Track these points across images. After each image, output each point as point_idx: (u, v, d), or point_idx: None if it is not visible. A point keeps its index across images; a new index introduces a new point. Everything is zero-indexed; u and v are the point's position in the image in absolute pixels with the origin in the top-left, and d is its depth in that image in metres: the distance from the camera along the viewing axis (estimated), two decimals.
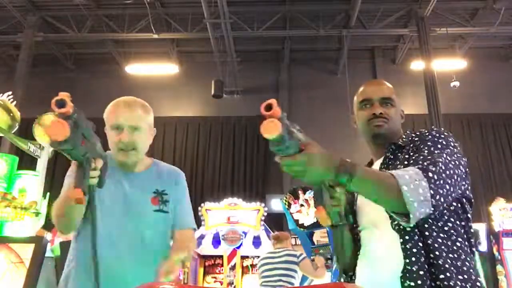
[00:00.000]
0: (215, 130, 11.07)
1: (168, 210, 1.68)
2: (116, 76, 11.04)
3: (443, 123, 8.66)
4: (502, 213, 7.61)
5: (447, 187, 1.10)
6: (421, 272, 1.10)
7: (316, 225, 5.81)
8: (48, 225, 4.84)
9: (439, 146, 1.20)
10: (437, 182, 1.08)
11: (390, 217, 1.18)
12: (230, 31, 9.40)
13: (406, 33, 10.22)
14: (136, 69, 11.10)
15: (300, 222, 6.00)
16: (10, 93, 4.86)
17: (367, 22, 9.82)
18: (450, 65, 10.37)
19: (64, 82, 10.70)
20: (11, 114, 4.74)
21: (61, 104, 0.94)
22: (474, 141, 10.42)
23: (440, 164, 1.12)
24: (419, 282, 1.10)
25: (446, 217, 1.19)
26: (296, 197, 6.10)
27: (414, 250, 1.13)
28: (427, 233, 1.15)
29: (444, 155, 1.16)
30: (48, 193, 4.83)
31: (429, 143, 1.22)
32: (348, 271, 1.34)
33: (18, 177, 4.76)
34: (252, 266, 7.40)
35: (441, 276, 1.09)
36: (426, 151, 1.19)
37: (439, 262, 1.11)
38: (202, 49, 11.04)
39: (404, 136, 1.35)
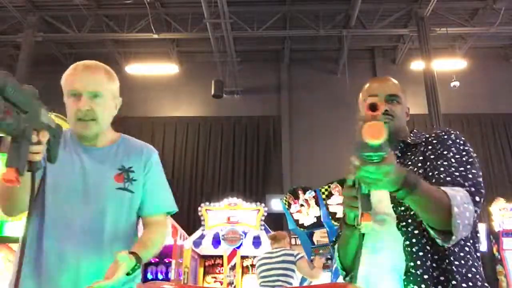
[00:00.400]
0: (215, 130, 11.06)
1: (134, 190, 1.45)
2: (116, 76, 11.03)
3: (443, 123, 8.66)
4: (502, 213, 7.62)
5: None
6: (426, 276, 1.09)
7: (316, 225, 5.81)
8: None
9: (466, 157, 1.20)
10: (478, 207, 1.11)
11: (424, 230, 1.14)
12: (230, 31, 9.40)
13: (406, 33, 10.22)
14: (136, 69, 11.10)
15: (300, 222, 6.00)
16: None
17: (367, 22, 9.82)
18: (450, 65, 10.36)
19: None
20: None
21: None
22: (474, 141, 10.41)
23: (480, 188, 1.14)
24: (423, 286, 1.09)
25: None
26: (296, 197, 6.10)
27: (421, 253, 1.12)
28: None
29: (476, 173, 1.17)
30: None
31: (453, 150, 1.21)
32: (350, 271, 1.33)
33: None
34: (252, 266, 7.39)
35: (453, 282, 1.08)
36: (454, 162, 1.18)
37: (448, 267, 1.10)
38: (202, 49, 11.03)
39: (412, 135, 1.34)
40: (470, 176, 1.16)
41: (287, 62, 11.44)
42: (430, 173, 1.20)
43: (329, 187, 5.66)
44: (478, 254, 1.19)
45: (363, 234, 1.22)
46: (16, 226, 4.36)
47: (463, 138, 1.26)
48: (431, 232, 1.09)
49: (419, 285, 1.09)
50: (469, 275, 1.11)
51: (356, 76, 9.98)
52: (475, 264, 1.15)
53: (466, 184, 1.13)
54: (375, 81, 1.42)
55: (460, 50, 10.78)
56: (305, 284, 4.45)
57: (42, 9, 9.81)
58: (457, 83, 9.70)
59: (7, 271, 4.36)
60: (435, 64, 9.05)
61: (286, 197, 6.27)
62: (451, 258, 1.11)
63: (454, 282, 1.08)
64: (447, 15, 9.60)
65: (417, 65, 10.45)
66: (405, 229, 1.17)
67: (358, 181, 0.97)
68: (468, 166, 1.18)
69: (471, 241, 1.19)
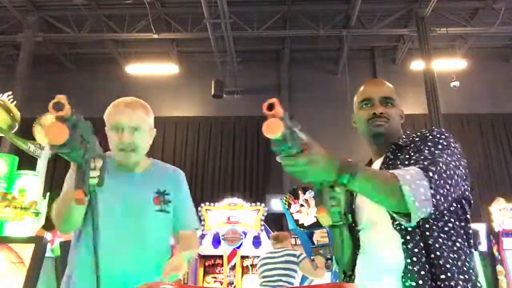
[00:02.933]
0: (215, 130, 11.07)
1: (170, 210, 1.66)
2: (116, 76, 11.04)
3: (443, 123, 8.66)
4: (502, 213, 7.61)
5: (448, 187, 1.10)
6: (422, 272, 1.11)
7: (316, 225, 5.81)
8: (48, 225, 4.83)
9: (440, 146, 1.20)
10: (438, 182, 1.08)
11: (391, 217, 1.17)
12: (230, 31, 9.40)
13: (406, 33, 10.22)
14: (136, 69, 11.10)
15: (300, 222, 5.99)
16: (10, 93, 4.85)
17: (367, 22, 9.82)
18: (450, 65, 10.36)
19: (64, 82, 10.70)
20: (11, 114, 4.74)
21: (59, 106, 0.93)
22: (474, 141, 10.42)
23: (440, 164, 1.12)
24: (420, 282, 1.10)
25: (446, 218, 1.19)
26: (296, 197, 6.10)
27: (416, 250, 1.13)
28: (428, 233, 1.15)
29: (445, 156, 1.16)
30: (48, 193, 4.83)
31: (429, 143, 1.21)
32: (348, 271, 1.33)
33: (18, 177, 4.76)
34: (252, 266, 7.39)
35: (442, 276, 1.09)
36: (426, 151, 1.18)
37: (440, 262, 1.11)
38: (202, 49, 11.03)
39: (404, 136, 1.35)
40: (433, 156, 1.15)
41: (287, 62, 11.44)
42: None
43: None
44: (472, 250, 1.20)
45: (353, 234, 1.27)
46: (16, 226, 4.36)
47: (446, 134, 1.25)
48: (395, 216, 1.10)
49: (417, 281, 1.10)
50: (464, 268, 1.13)
51: (356, 76, 9.99)
52: (468, 259, 1.16)
53: (425, 163, 1.12)
54: (369, 84, 1.43)
55: (460, 50, 10.78)
56: (306, 283, 4.46)
57: (42, 9, 9.81)
58: (457, 83, 9.70)
59: (8, 272, 4.35)
60: (435, 64, 9.05)
61: (286, 197, 6.27)
62: (444, 254, 1.13)
63: (449, 274, 1.10)
64: (447, 15, 9.61)
65: (417, 65, 10.45)
66: (399, 227, 1.18)
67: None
68: (437, 152, 1.17)
69: (464, 236, 1.20)
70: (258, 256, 4.57)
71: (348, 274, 1.33)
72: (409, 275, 1.11)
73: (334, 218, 1.15)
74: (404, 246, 1.15)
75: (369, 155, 1.45)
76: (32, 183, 4.77)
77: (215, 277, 7.89)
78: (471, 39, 10.51)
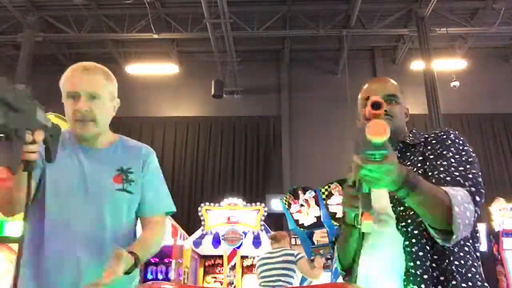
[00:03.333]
0: (215, 130, 11.06)
1: (134, 191, 1.46)
2: (116, 76, 10.74)
3: (443, 123, 8.66)
4: (502, 213, 7.61)
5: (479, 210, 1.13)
6: (425, 276, 1.09)
7: (316, 225, 5.81)
8: None
9: (465, 157, 1.20)
10: (479, 207, 1.11)
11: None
12: (230, 31, 9.39)
13: (406, 33, 10.22)
14: (136, 69, 11.10)
15: (300, 222, 6.00)
16: None
17: (367, 22, 9.82)
18: (450, 65, 10.36)
19: None
20: None
21: None
22: (474, 141, 10.41)
23: (480, 187, 1.14)
24: (423, 286, 1.08)
25: None
26: (296, 197, 6.10)
27: (421, 253, 1.12)
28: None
29: (474, 171, 1.17)
30: None
31: (452, 150, 1.21)
32: (349, 271, 1.32)
33: None
34: (252, 266, 7.39)
35: (453, 282, 1.08)
36: (454, 162, 1.18)
37: (447, 267, 1.10)
38: (202, 49, 11.03)
39: (411, 135, 1.34)
40: (470, 176, 1.15)
41: (287, 62, 11.44)
42: (430, 173, 1.19)
43: (329, 187, 5.66)
44: (478, 254, 1.19)
45: (363, 234, 1.20)
46: (16, 226, 4.36)
47: (462, 138, 1.26)
48: (432, 231, 1.08)
49: (419, 285, 1.08)
50: (469, 275, 1.11)
51: (356, 76, 9.99)
52: (475, 264, 1.15)
53: (466, 184, 1.13)
54: (373, 82, 1.43)
55: (460, 50, 10.78)
56: (305, 284, 4.45)
57: (42, 9, 9.81)
58: (457, 83, 9.70)
59: (9, 272, 4.36)
60: (435, 64, 9.05)
61: (286, 197, 6.27)
62: (451, 258, 1.11)
63: (454, 282, 1.08)
64: (447, 15, 9.61)
65: (417, 65, 10.45)
66: (404, 229, 1.16)
67: (359, 180, 0.95)
68: (468, 166, 1.18)
69: (470, 241, 1.19)
70: (258, 256, 4.57)
71: (350, 274, 1.32)
72: (411, 278, 1.10)
73: (358, 220, 1.08)
74: (408, 249, 1.13)
75: None
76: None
77: (215, 277, 7.89)
78: (471, 39, 10.51)
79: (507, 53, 11.37)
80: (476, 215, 1.08)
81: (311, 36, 10.18)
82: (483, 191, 1.14)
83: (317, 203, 5.80)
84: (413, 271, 1.10)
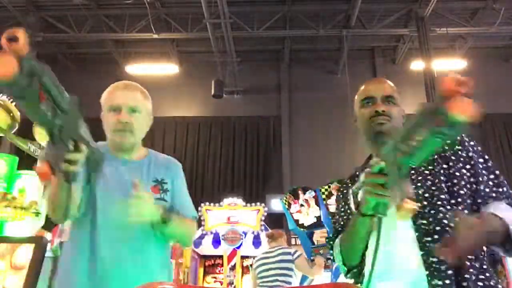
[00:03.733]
0: (215, 130, 11.06)
1: (168, 199, 1.61)
2: (116, 76, 10.95)
3: None
4: None
5: None
6: (450, 272, 1.11)
7: (316, 225, 5.82)
8: (48, 225, 4.83)
9: (492, 168, 1.29)
10: None
11: (445, 226, 1.17)
12: (230, 31, 9.39)
13: (406, 33, 10.22)
14: (136, 69, 11.09)
15: (300, 222, 6.00)
16: None
17: (367, 22, 9.82)
18: (450, 65, 10.36)
19: (64, 82, 10.63)
20: (11, 114, 4.74)
21: (14, 39, 0.75)
22: (474, 141, 10.41)
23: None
24: (447, 281, 1.10)
25: None
26: (296, 197, 6.10)
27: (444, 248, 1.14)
28: None
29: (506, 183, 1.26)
30: None
31: (480, 160, 1.28)
32: (353, 267, 1.31)
33: (18, 177, 4.76)
34: (252, 266, 7.40)
35: (466, 276, 1.11)
36: (490, 174, 1.27)
37: (473, 264, 1.13)
38: (202, 49, 11.03)
39: None
40: (505, 189, 1.25)
41: (287, 62, 11.44)
42: (468, 184, 1.23)
43: (329, 187, 5.66)
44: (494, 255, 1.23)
45: (380, 223, 1.14)
46: (16, 226, 4.36)
47: (478, 145, 1.33)
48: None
49: (444, 280, 1.11)
50: (484, 267, 1.15)
51: (356, 76, 9.98)
52: (485, 258, 1.18)
53: (509, 200, 1.22)
54: (371, 83, 1.43)
55: (460, 50, 10.78)
56: (306, 283, 4.45)
57: (42, 9, 9.81)
58: None
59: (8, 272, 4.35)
60: (435, 64, 9.05)
61: (286, 197, 6.28)
62: (475, 253, 1.15)
63: (473, 277, 1.12)
64: (447, 15, 9.61)
65: (417, 65, 10.44)
66: (426, 227, 1.17)
67: (398, 165, 0.94)
68: (497, 172, 1.27)
69: None
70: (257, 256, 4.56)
71: (353, 271, 1.31)
72: (435, 273, 1.12)
73: (382, 209, 1.06)
74: (430, 244, 1.14)
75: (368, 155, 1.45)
76: (32, 183, 4.77)
77: (215, 277, 7.90)
78: (471, 39, 10.50)
79: (507, 53, 11.37)
80: None
81: (311, 36, 10.18)
82: None
83: (317, 203, 5.80)
84: (436, 266, 1.12)
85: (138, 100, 1.59)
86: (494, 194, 1.22)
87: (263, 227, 7.03)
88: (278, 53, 11.53)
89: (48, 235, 5.00)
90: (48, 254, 3.50)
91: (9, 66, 0.74)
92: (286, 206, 6.17)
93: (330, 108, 10.51)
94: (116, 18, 9.96)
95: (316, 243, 5.91)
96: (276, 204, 8.36)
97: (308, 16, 9.75)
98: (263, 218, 7.12)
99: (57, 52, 10.96)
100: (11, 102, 4.79)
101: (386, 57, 11.50)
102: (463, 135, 1.32)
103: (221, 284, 7.62)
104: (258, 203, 7.41)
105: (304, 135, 10.56)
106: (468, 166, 1.26)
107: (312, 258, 5.15)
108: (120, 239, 1.47)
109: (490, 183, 1.24)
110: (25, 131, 5.11)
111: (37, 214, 4.43)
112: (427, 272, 1.13)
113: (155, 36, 9.77)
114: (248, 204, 7.32)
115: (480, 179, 1.24)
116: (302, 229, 5.97)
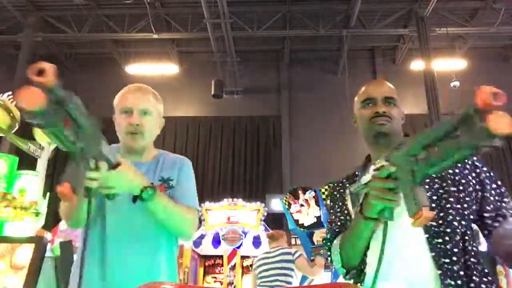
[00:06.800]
0: (215, 130, 11.07)
1: (173, 195, 1.64)
2: (116, 76, 11.03)
3: None
4: None
5: None
6: (462, 273, 1.13)
7: (316, 225, 5.81)
8: (48, 225, 4.84)
9: (495, 178, 1.34)
10: None
11: (456, 228, 1.21)
12: (230, 31, 9.40)
13: (406, 33, 10.22)
14: (136, 69, 11.10)
15: (300, 222, 6.00)
16: (10, 93, 4.85)
17: (367, 22, 9.82)
18: (450, 65, 10.36)
19: (64, 82, 10.66)
20: (11, 114, 4.75)
21: (41, 73, 0.81)
22: None
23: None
24: (459, 282, 1.12)
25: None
26: (296, 197, 6.10)
27: (455, 250, 1.15)
28: (466, 238, 1.18)
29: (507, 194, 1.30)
30: (48, 193, 4.83)
31: (484, 169, 1.33)
32: (351, 269, 1.31)
33: (18, 177, 4.76)
34: (252, 266, 7.40)
35: (476, 279, 1.14)
36: (493, 184, 1.32)
37: (477, 267, 1.15)
38: (202, 49, 11.04)
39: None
40: (507, 199, 1.30)
41: (287, 62, 11.45)
42: (476, 197, 1.27)
43: (329, 187, 5.65)
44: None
45: (386, 227, 1.09)
46: (16, 226, 4.36)
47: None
48: None
49: (456, 280, 1.12)
50: (486, 270, 1.17)
51: (356, 76, 9.99)
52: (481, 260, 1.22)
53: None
54: (371, 84, 1.44)
55: (460, 50, 10.78)
56: (306, 283, 4.45)
57: (42, 9, 9.81)
58: (457, 83, 9.70)
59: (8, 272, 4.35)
60: (435, 64, 9.05)
61: (286, 197, 6.27)
62: (478, 257, 1.17)
63: (483, 279, 1.15)
64: (447, 15, 9.61)
65: (417, 65, 10.45)
66: (436, 229, 1.18)
67: (404, 175, 0.92)
68: (499, 183, 1.32)
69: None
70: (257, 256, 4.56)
71: (352, 272, 1.31)
72: (448, 273, 1.13)
73: (388, 214, 1.04)
74: (442, 246, 1.16)
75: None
76: (32, 183, 4.78)
77: (215, 277, 7.89)
78: (471, 39, 10.51)
79: (507, 53, 11.37)
80: None
81: (311, 36, 10.18)
82: None
83: (317, 203, 5.80)
84: (449, 266, 1.13)
85: (150, 102, 1.62)
86: (499, 204, 1.27)
87: (263, 227, 7.04)
88: (278, 53, 11.53)
89: (48, 235, 5.01)
90: (48, 254, 3.49)
91: (36, 99, 0.78)
92: (286, 206, 6.17)
93: (330, 108, 10.51)
94: (116, 18, 9.96)
95: (316, 243, 5.90)
96: (276, 204, 8.37)
97: (308, 16, 9.75)
98: (263, 218, 7.12)
99: (57, 52, 10.96)
100: (11, 102, 4.79)
101: (386, 57, 11.50)
102: None
103: (221, 284, 7.61)
104: (258, 203, 7.41)
105: (304, 135, 10.56)
106: (474, 174, 1.29)
107: (312, 258, 5.15)
108: (129, 240, 1.50)
109: (493, 192, 1.29)
110: (25, 131, 5.11)
111: (37, 214, 4.44)
112: (440, 272, 1.13)
113: (155, 36, 9.78)
114: (248, 204, 7.32)
115: (487, 187, 1.28)
116: (302, 229, 5.97)
